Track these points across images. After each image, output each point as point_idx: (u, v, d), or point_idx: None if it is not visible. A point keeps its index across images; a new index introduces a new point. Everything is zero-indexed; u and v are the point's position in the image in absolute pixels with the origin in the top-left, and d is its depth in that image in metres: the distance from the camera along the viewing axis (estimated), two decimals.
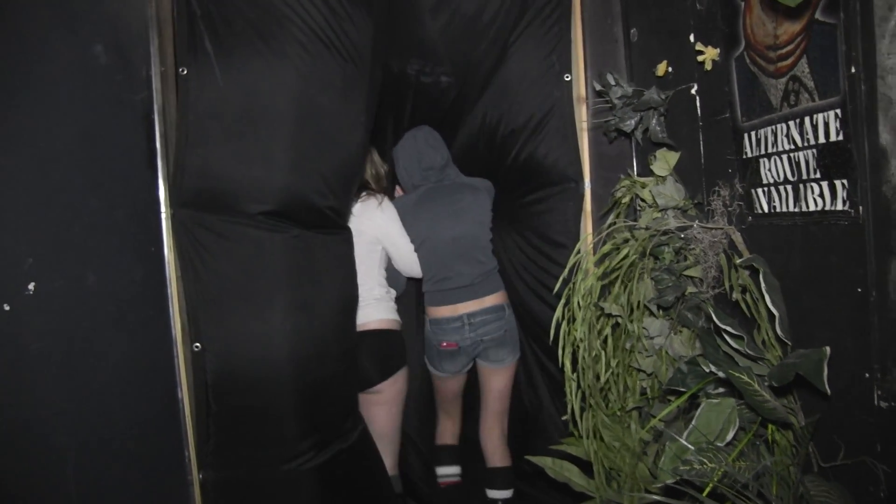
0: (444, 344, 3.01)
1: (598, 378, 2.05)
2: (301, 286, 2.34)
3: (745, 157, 1.77)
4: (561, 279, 2.03)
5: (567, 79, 2.51)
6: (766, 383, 1.53)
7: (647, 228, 1.99)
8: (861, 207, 1.40)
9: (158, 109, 2.19)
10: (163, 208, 2.20)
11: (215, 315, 2.23)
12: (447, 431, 3.36)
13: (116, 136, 2.08)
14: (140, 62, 2.15)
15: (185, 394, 2.23)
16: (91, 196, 1.98)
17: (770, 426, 1.64)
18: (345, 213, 2.61)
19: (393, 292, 3.06)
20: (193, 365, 2.24)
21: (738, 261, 1.75)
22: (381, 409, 2.95)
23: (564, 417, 2.12)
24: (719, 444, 1.59)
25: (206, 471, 2.25)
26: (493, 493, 3.17)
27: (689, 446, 1.57)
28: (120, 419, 2.03)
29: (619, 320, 2.02)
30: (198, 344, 2.22)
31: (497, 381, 3.13)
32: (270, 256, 2.28)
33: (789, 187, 1.61)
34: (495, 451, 3.19)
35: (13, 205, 1.82)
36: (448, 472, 3.29)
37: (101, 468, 1.97)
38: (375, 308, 2.89)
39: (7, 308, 1.76)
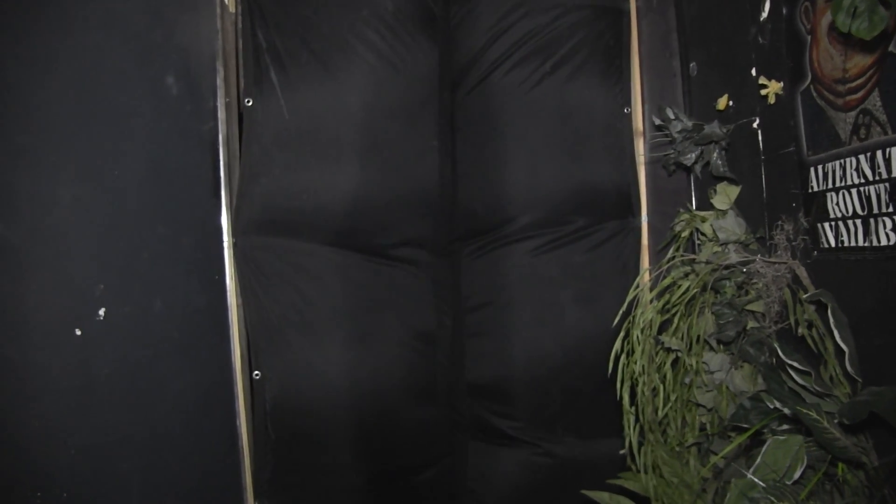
0: None
1: (656, 412, 2.03)
2: (360, 317, 2.35)
3: (810, 191, 1.76)
4: (620, 312, 2.02)
5: (627, 111, 2.51)
6: (835, 421, 1.50)
7: (707, 262, 1.97)
8: None
9: (223, 139, 2.23)
10: (225, 237, 2.23)
11: (275, 343, 2.25)
12: None
13: (184, 165, 2.13)
14: (207, 93, 2.20)
15: (243, 422, 2.24)
16: (159, 224, 2.02)
17: (840, 466, 1.61)
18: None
19: None
20: (254, 393, 2.26)
21: (805, 296, 1.73)
22: None
23: (622, 451, 2.10)
24: (787, 483, 1.56)
25: (261, 499, 2.26)
26: None
27: (760, 483, 1.54)
28: (181, 446, 2.06)
29: (679, 354, 2.00)
30: (258, 372, 2.24)
31: None
32: (330, 287, 2.30)
33: (859, 221, 1.59)
34: None
35: (87, 232, 1.87)
36: None
37: (163, 495, 1.99)
38: None
39: (79, 333, 1.80)
